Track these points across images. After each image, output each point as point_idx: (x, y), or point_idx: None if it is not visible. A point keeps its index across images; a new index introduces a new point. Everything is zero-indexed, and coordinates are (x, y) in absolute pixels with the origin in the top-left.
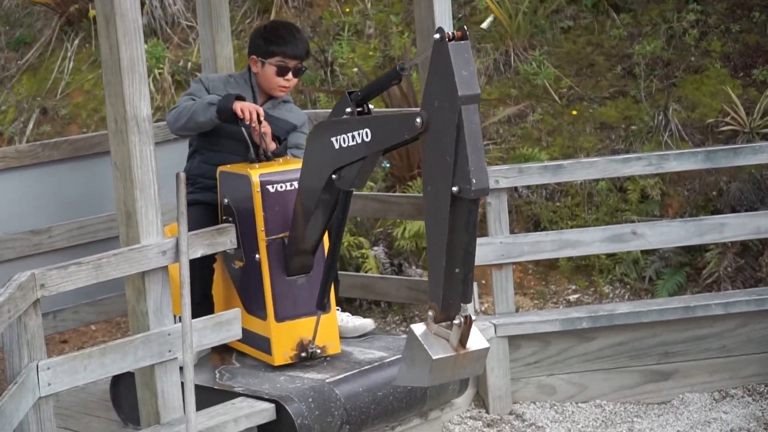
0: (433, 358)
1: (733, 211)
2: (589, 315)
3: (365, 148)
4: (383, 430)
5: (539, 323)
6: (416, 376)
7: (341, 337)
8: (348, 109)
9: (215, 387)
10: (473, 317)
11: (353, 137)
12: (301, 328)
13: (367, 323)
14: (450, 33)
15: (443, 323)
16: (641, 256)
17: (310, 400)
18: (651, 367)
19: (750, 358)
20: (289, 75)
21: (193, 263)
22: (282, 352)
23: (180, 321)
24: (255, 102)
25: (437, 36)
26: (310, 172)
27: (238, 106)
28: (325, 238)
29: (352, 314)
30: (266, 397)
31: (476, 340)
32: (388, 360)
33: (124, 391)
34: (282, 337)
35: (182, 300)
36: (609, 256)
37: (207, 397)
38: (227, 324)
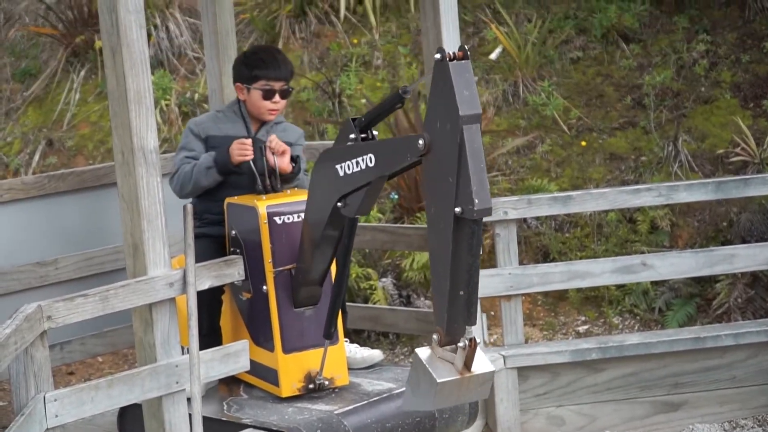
0: (438, 381)
1: (744, 241)
2: (599, 346)
3: (370, 174)
4: None
5: (548, 354)
6: (421, 400)
7: (349, 369)
8: (352, 135)
9: (223, 418)
10: (478, 340)
11: (357, 163)
12: (309, 359)
13: (375, 354)
14: (451, 53)
15: (448, 347)
16: (651, 287)
17: (319, 431)
18: (661, 398)
19: (761, 389)
20: (276, 97)
21: (202, 294)
22: (290, 383)
23: (188, 352)
24: (248, 131)
25: (438, 56)
26: (315, 202)
27: (236, 156)
28: (333, 266)
29: (360, 345)
30: (274, 428)
31: (481, 363)
32: (397, 391)
33: (131, 423)
34: (289, 368)
35: (190, 331)
36: (618, 287)
37: (215, 428)
38: (235, 356)
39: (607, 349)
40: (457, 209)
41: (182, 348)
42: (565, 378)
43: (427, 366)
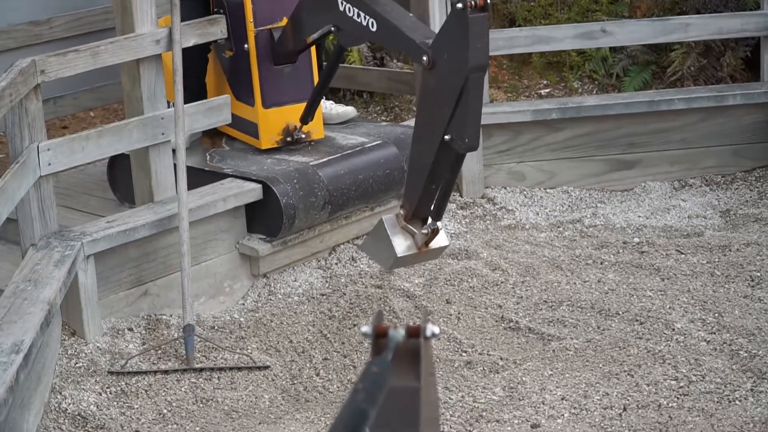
0: (398, 255)
1: (698, 13)
2: (559, 107)
3: (366, 34)
4: (362, 210)
5: (511, 113)
6: (379, 258)
7: (325, 124)
8: None
9: (206, 168)
10: (440, 226)
11: (359, 15)
12: (287, 114)
13: (349, 110)
14: (472, 2)
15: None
16: (610, 54)
17: (295, 181)
18: (616, 157)
19: (709, 151)
20: None
21: (188, 52)
22: (269, 136)
23: (173, 106)
24: None
25: (459, 5)
26: (309, 7)
27: None
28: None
29: (336, 103)
30: (254, 178)
31: (439, 239)
32: (369, 145)
33: (120, 173)
34: (269, 122)
35: (175, 86)
36: (579, 53)
37: (198, 177)
38: (217, 109)
39: (566, 110)
40: (447, 136)
41: (168, 103)
42: (526, 136)
43: (390, 235)
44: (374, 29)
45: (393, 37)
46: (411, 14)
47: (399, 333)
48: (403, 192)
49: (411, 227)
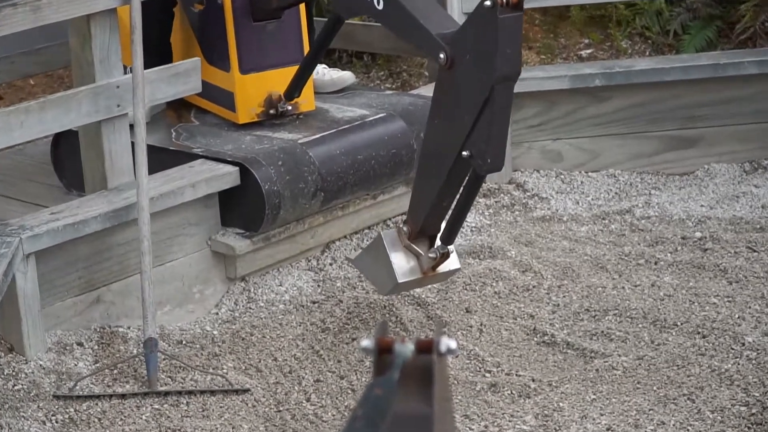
0: (399, 282)
1: None
2: (603, 71)
3: (368, 9)
4: (363, 198)
5: (545, 80)
6: (375, 280)
7: (316, 93)
8: None
9: (171, 148)
10: (451, 249)
11: None
12: (270, 80)
13: (346, 76)
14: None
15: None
16: (665, 7)
17: (280, 163)
18: (673, 133)
19: None
20: None
21: (148, 6)
22: (247, 108)
23: (131, 72)
24: None
25: (488, 3)
26: None
27: None
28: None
29: (330, 67)
30: (229, 159)
31: (449, 262)
32: (371, 119)
33: (66, 153)
34: (248, 91)
35: (133, 48)
36: (628, 5)
37: (161, 158)
38: (185, 75)
39: (612, 75)
40: (465, 152)
41: (125, 68)
42: (563, 107)
43: (389, 255)
44: (380, 6)
45: (402, 22)
46: None
47: (407, 348)
48: (408, 206)
49: (416, 247)
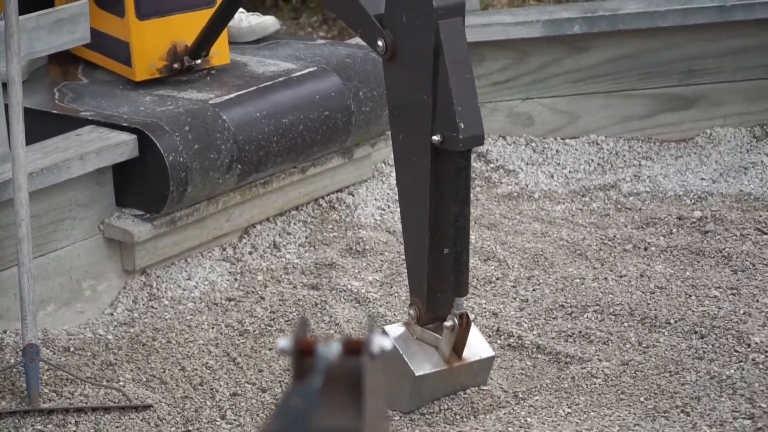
0: (416, 375)
1: None
2: (584, 15)
3: None
4: (289, 173)
5: (513, 26)
6: (392, 396)
7: (232, 43)
8: None
9: (54, 111)
10: (472, 316)
11: None
12: (175, 27)
13: (268, 22)
14: None
15: (430, 325)
16: None
17: (187, 128)
18: (668, 90)
19: None
20: None
21: None
22: (147, 62)
23: (2, 20)
24: None
25: None
26: None
27: None
28: None
29: (250, 11)
30: (125, 125)
31: (477, 347)
32: (298, 74)
33: None
34: (146, 40)
35: None
36: None
37: (43, 124)
38: (70, 23)
39: (595, 21)
40: (436, 137)
41: None
42: (535, 60)
43: (400, 352)
44: None
45: (342, 11)
46: None
47: (332, 349)
48: (408, 282)
49: (431, 334)
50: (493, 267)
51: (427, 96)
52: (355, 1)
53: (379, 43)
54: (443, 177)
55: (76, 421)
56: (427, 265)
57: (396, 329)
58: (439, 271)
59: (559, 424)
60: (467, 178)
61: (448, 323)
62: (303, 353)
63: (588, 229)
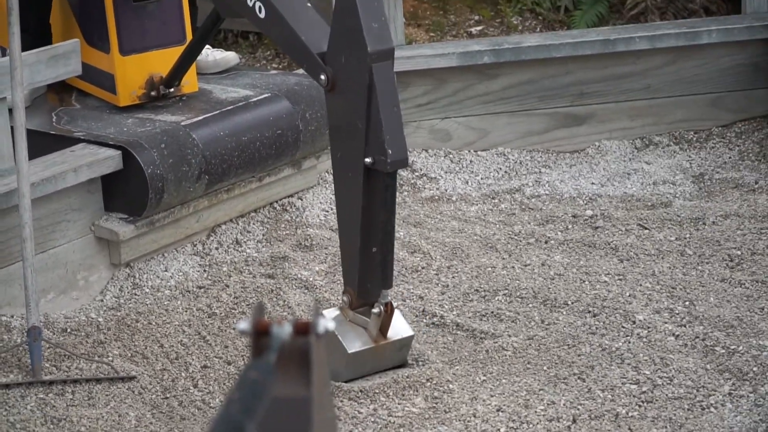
0: (349, 352)
1: None
2: (493, 48)
3: (251, 16)
4: (248, 181)
5: (433, 57)
6: (333, 368)
7: (199, 74)
8: None
9: (52, 132)
10: (395, 304)
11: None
12: (152, 62)
13: (229, 56)
14: None
15: (360, 309)
16: None
17: (163, 146)
18: (563, 110)
19: (678, 101)
20: None
21: None
22: (128, 90)
23: (7, 54)
24: None
25: None
26: None
27: None
28: None
29: (214, 47)
30: (111, 142)
31: (399, 328)
32: (255, 99)
33: None
34: (128, 72)
35: (10, 29)
36: None
37: (43, 143)
38: (64, 57)
39: (501, 52)
40: (368, 159)
41: (2, 50)
42: (452, 86)
43: (336, 333)
44: (262, 15)
45: (285, 37)
46: (309, 4)
47: (284, 330)
48: (343, 275)
49: (361, 317)
50: (418, 258)
51: (361, 124)
52: (301, 41)
53: (322, 77)
54: (374, 191)
55: (72, 391)
56: (359, 260)
57: (332, 313)
58: (368, 265)
59: (476, 390)
60: (393, 193)
61: (375, 310)
62: (260, 333)
63: (498, 226)
